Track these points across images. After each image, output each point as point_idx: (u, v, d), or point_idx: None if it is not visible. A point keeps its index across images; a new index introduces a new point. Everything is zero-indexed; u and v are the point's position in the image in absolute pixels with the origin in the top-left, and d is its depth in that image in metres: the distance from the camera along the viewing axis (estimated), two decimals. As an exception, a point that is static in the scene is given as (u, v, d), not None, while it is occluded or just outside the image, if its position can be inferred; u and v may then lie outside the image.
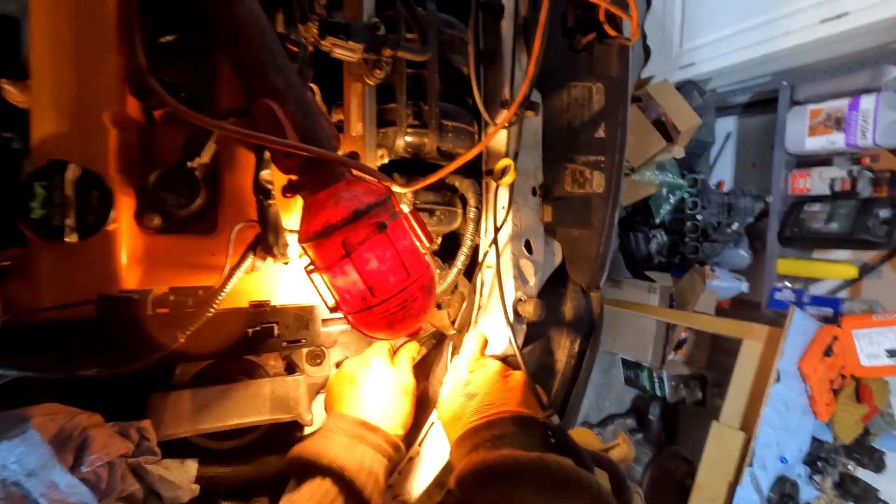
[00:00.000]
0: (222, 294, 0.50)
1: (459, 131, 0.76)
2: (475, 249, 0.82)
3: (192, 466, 0.62)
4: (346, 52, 0.59)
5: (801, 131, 1.95)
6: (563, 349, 0.92)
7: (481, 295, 0.84)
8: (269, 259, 0.58)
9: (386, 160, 0.70)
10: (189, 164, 0.51)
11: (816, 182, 1.97)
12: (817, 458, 1.59)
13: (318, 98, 0.63)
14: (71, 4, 0.50)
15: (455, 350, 0.74)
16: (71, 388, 0.53)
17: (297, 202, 0.54)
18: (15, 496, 0.46)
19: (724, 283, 2.17)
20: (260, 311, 0.56)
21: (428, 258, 0.57)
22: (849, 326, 1.59)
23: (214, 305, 0.49)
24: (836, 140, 1.85)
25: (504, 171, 0.77)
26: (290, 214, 0.60)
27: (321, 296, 0.53)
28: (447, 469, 0.71)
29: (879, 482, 1.63)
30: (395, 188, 0.56)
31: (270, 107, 0.47)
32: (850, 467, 1.66)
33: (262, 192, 0.55)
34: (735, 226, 2.16)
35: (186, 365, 0.63)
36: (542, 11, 0.70)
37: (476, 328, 0.83)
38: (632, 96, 2.04)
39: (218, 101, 0.59)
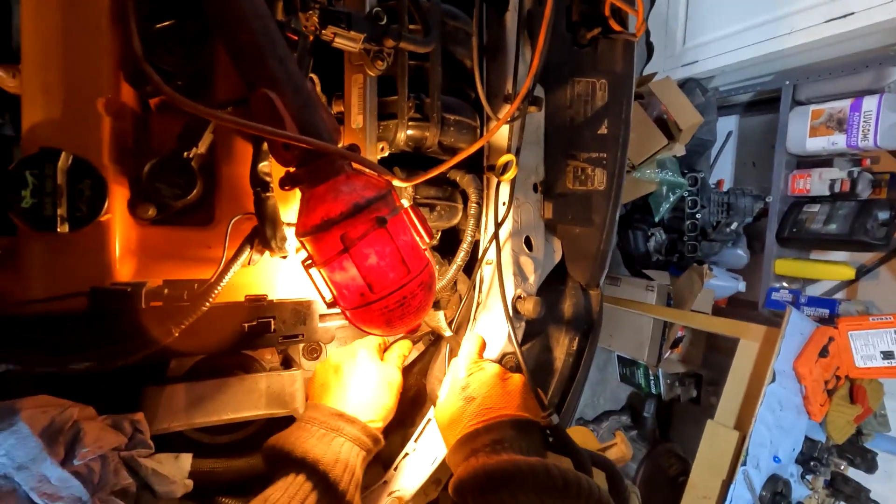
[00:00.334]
0: (218, 288, 0.49)
1: (461, 125, 0.74)
2: (475, 245, 0.81)
3: (186, 461, 0.61)
4: (347, 42, 0.57)
5: (802, 132, 1.94)
6: (562, 347, 0.91)
7: (480, 292, 0.83)
8: (267, 253, 0.57)
9: (386, 153, 0.69)
10: (185, 154, 0.50)
11: (816, 183, 1.96)
12: (810, 457, 1.60)
13: (318, 89, 0.62)
14: (64, -13, 0.48)
15: (452, 352, 0.73)
16: (64, 381, 0.52)
17: (296, 195, 0.53)
18: (4, 489, 0.46)
19: (721, 283, 2.18)
20: (257, 306, 0.55)
21: (428, 254, 0.56)
22: (845, 328, 1.59)
23: (210, 299, 0.48)
24: (838, 141, 1.84)
25: (506, 167, 0.76)
26: (289, 207, 0.59)
27: (319, 291, 0.52)
28: (443, 466, 0.71)
29: (871, 483, 1.64)
30: (396, 182, 0.55)
31: (269, 96, 0.46)
32: (842, 467, 1.67)
33: (259, 184, 0.54)
34: (734, 225, 2.15)
35: (181, 359, 0.62)
36: (548, 5, 0.69)
37: (475, 326, 0.83)
38: (635, 93, 2.04)
39: (215, 90, 0.57)
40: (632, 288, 2.25)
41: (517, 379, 0.61)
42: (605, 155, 0.89)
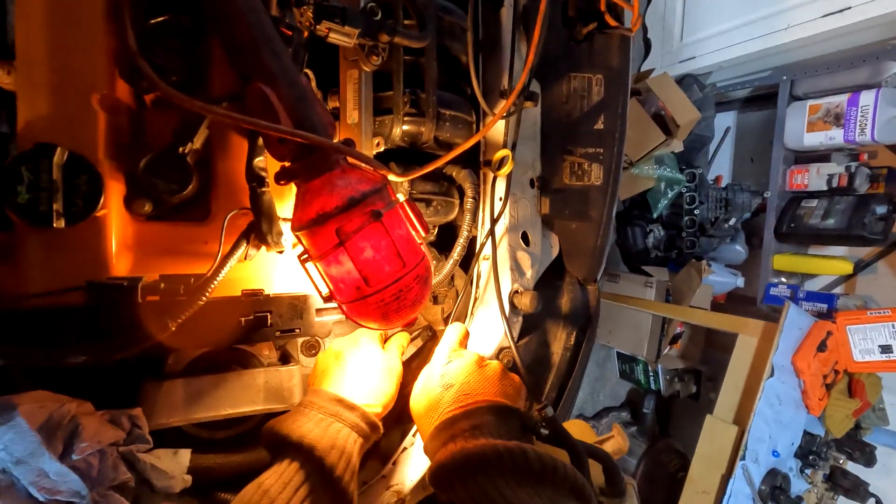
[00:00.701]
0: (214, 283, 0.49)
1: (457, 120, 0.75)
2: (472, 241, 0.81)
3: (184, 456, 0.62)
4: (341, 37, 0.58)
5: (799, 127, 1.95)
6: (559, 342, 0.91)
7: (478, 287, 0.84)
8: (264, 248, 0.57)
9: (382, 148, 0.69)
10: (181, 149, 0.50)
11: (814, 178, 1.96)
12: (809, 451, 1.60)
13: (314, 84, 0.62)
14: (59, -17, 0.48)
15: None
16: (62, 376, 0.52)
17: (292, 190, 0.53)
18: (3, 484, 0.46)
19: (720, 278, 2.18)
20: (253, 300, 0.56)
21: (424, 248, 0.56)
22: (843, 322, 1.60)
23: (206, 294, 0.48)
24: (835, 136, 1.84)
25: (502, 162, 0.76)
26: (285, 202, 0.59)
27: (315, 285, 0.52)
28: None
29: (869, 476, 1.64)
30: (391, 177, 0.56)
31: (264, 91, 0.46)
32: (841, 461, 1.68)
33: (255, 179, 0.54)
34: (732, 221, 2.16)
35: (179, 354, 0.62)
36: (543, 0, 0.69)
37: (472, 321, 0.83)
38: (631, 89, 2.04)
39: (211, 85, 0.57)
40: (631, 284, 2.26)
41: (495, 365, 0.61)
42: (601, 150, 0.89)
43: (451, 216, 0.80)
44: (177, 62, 0.53)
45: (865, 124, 1.74)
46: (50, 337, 0.46)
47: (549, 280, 0.95)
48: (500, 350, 0.76)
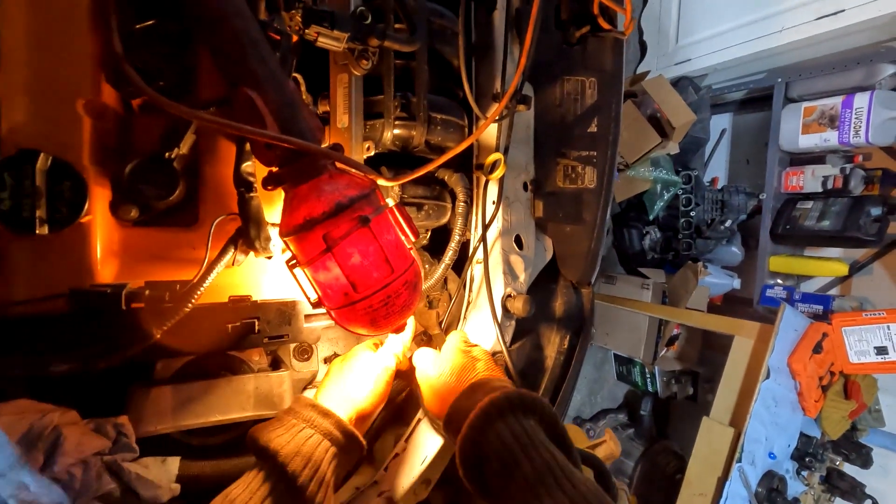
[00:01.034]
0: (201, 289, 0.48)
1: (448, 124, 0.74)
2: (465, 244, 0.81)
3: (173, 464, 0.61)
4: (330, 41, 0.57)
5: (794, 129, 1.95)
6: (553, 346, 0.91)
7: (471, 291, 0.83)
8: (252, 253, 0.56)
9: (372, 153, 0.68)
10: (167, 154, 0.50)
11: (809, 180, 1.97)
12: (805, 453, 1.60)
13: (303, 88, 0.62)
14: (43, -12, 0.48)
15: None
16: (48, 384, 0.52)
17: (280, 195, 0.53)
18: (-17, 496, 0.45)
19: (716, 280, 2.18)
20: (240, 307, 0.55)
21: (414, 253, 0.56)
22: (839, 323, 1.60)
23: (193, 301, 0.48)
24: (830, 138, 1.85)
25: (494, 166, 0.76)
26: (274, 208, 0.59)
27: (303, 291, 0.52)
28: (433, 466, 0.70)
29: (866, 478, 1.64)
30: (381, 181, 0.55)
31: (250, 96, 0.45)
32: (837, 463, 1.68)
33: (243, 184, 0.53)
34: (728, 223, 2.16)
35: (168, 360, 0.62)
36: (535, 3, 0.69)
37: (465, 324, 0.83)
38: (627, 92, 2.04)
39: (199, 90, 0.57)
40: (627, 286, 2.26)
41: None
42: (595, 153, 0.89)
43: (444, 220, 0.80)
44: (164, 67, 0.53)
45: (860, 126, 1.75)
46: (33, 345, 0.45)
47: (543, 283, 0.95)
48: (494, 354, 0.75)
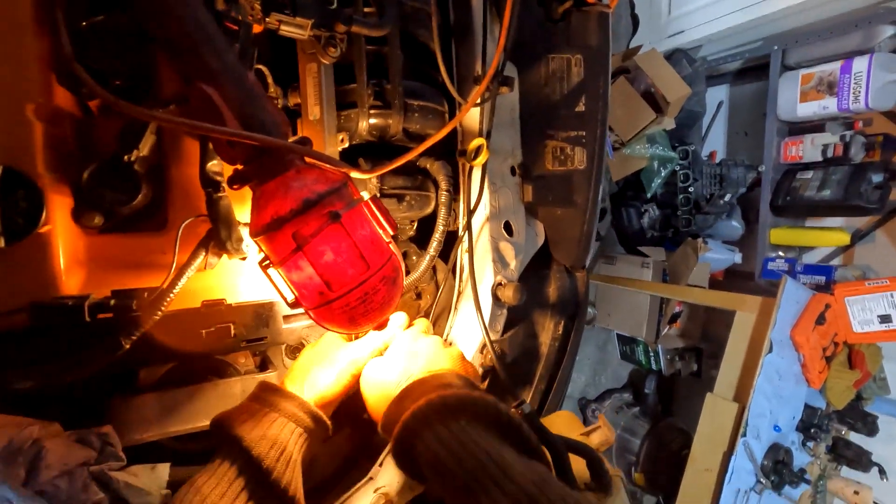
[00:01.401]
0: (170, 295, 0.47)
1: (427, 111, 0.72)
2: (455, 234, 0.79)
3: (163, 471, 0.60)
4: (293, 29, 0.54)
5: (792, 98, 1.90)
6: (547, 332, 0.90)
7: (461, 280, 0.82)
8: (225, 255, 0.55)
9: (346, 144, 0.66)
10: (126, 157, 0.48)
11: (809, 149, 1.93)
12: (810, 424, 1.60)
13: (270, 81, 0.59)
14: (-18, -14, 0.45)
15: None
16: (31, 398, 0.51)
17: (250, 194, 0.51)
18: (-35, 515, 0.44)
19: (717, 255, 2.16)
20: (214, 311, 0.54)
21: (393, 247, 0.54)
22: (841, 294, 1.58)
23: (162, 308, 0.46)
24: (829, 105, 1.80)
25: (477, 152, 0.74)
26: (245, 207, 0.57)
27: (279, 292, 0.50)
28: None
29: (872, 445, 1.64)
30: (354, 174, 0.53)
31: (205, 91, 0.43)
32: (843, 432, 1.68)
33: (210, 184, 0.51)
34: (727, 197, 2.13)
35: (152, 368, 0.61)
36: (511, -23, 0.66)
37: (456, 315, 0.81)
38: (620, 67, 2.00)
39: (160, 88, 0.55)
40: (627, 266, 2.24)
41: (456, 349, 0.61)
42: (583, 133, 0.86)
43: (428, 210, 0.78)
44: (119, 65, 0.50)
45: (859, 91, 1.70)
46: (-2, 361, 0.44)
47: (536, 269, 0.93)
48: (485, 345, 0.74)
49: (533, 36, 0.86)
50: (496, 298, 0.78)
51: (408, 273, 0.74)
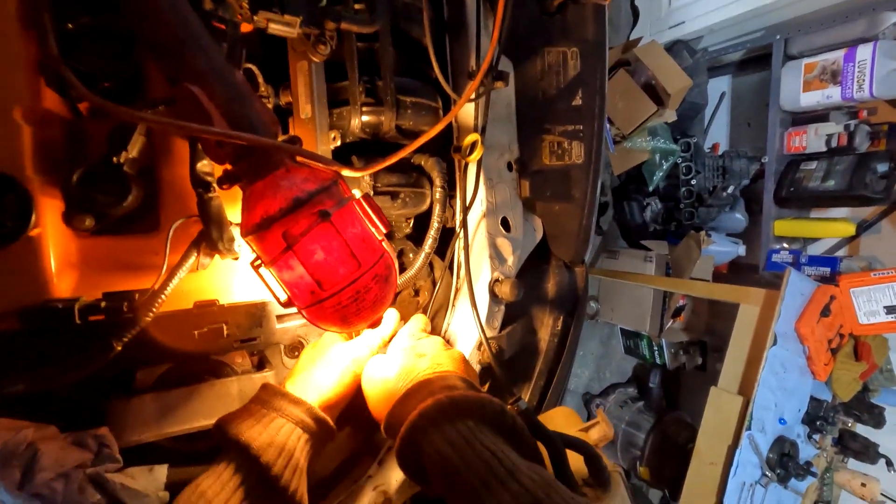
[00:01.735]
0: (162, 297, 0.47)
1: (420, 107, 0.71)
2: (452, 230, 0.78)
3: (160, 472, 0.60)
4: (282, 27, 0.54)
5: (795, 87, 1.88)
6: (546, 328, 0.89)
7: (458, 277, 0.81)
8: (218, 256, 0.55)
9: (339, 143, 0.65)
10: (115, 159, 0.48)
11: (812, 139, 1.90)
12: (816, 417, 1.58)
13: (260, 80, 0.59)
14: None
15: None
16: (28, 401, 0.51)
17: (241, 193, 0.50)
18: (-40, 519, 0.45)
19: (720, 248, 2.14)
20: (206, 312, 0.53)
21: (385, 245, 0.54)
22: (847, 285, 1.56)
23: (154, 309, 0.46)
24: (832, 94, 1.78)
25: (471, 147, 0.73)
26: (236, 207, 0.57)
27: (272, 291, 0.50)
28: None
29: (879, 437, 1.63)
30: (346, 172, 0.53)
31: (192, 91, 0.43)
32: (849, 424, 1.66)
33: (201, 184, 0.51)
34: (730, 189, 2.11)
35: (149, 369, 0.61)
36: (503, -30, 0.65)
37: (453, 312, 0.81)
38: (620, 60, 1.98)
39: (150, 89, 0.54)
40: (630, 260, 2.23)
41: (458, 351, 0.61)
42: (581, 127, 0.85)
43: (424, 207, 0.77)
44: (107, 66, 0.50)
45: (863, 80, 1.68)
46: (-9, 365, 0.44)
47: (535, 264, 0.93)
48: (482, 343, 0.73)
49: (528, 29, 0.85)
50: (493, 295, 0.77)
51: (404, 270, 0.74)
